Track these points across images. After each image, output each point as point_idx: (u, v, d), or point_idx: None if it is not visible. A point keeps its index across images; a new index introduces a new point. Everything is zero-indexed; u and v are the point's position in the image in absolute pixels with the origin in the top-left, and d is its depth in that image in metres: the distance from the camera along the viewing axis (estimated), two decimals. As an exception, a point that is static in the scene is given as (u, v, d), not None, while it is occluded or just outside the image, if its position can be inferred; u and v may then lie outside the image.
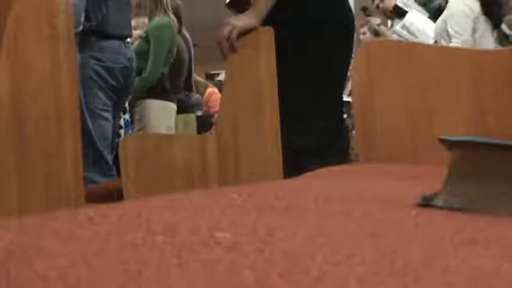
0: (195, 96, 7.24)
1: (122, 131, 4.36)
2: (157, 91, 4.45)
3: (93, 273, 0.41)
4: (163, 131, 4.34)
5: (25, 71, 1.72)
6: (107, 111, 3.65)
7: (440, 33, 4.20)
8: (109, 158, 3.62)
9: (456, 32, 4.06)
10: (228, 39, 2.17)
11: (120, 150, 2.31)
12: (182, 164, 2.22)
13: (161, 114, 4.45)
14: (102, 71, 3.62)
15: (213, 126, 2.26)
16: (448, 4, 4.23)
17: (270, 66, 2.12)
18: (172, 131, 4.47)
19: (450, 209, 0.85)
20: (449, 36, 4.09)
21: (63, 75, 1.78)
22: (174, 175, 2.23)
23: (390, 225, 0.71)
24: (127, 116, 4.47)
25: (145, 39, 4.45)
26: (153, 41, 4.41)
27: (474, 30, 4.07)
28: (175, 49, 4.57)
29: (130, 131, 4.46)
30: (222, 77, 9.13)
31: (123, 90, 3.81)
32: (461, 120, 2.04)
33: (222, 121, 2.21)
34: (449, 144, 0.91)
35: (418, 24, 4.82)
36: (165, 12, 4.52)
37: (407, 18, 4.82)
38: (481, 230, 0.72)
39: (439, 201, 0.87)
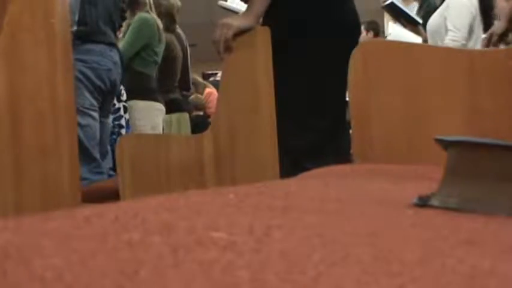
0: (196, 96, 7.25)
1: (123, 131, 4.38)
2: (141, 92, 4.45)
3: (89, 273, 0.41)
4: (149, 131, 4.36)
5: (22, 71, 1.72)
6: (93, 110, 3.70)
7: (436, 30, 4.12)
8: (98, 156, 3.65)
9: (455, 27, 3.98)
10: (224, 39, 2.17)
11: (117, 150, 2.31)
12: (178, 164, 2.22)
13: (145, 115, 4.47)
14: (88, 72, 3.66)
15: (210, 126, 2.26)
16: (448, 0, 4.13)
17: (266, 66, 2.12)
18: (157, 131, 4.49)
19: (447, 209, 0.85)
20: (446, 32, 4.01)
21: (60, 75, 1.78)
22: (170, 175, 2.23)
23: (387, 225, 0.71)
24: (128, 116, 4.48)
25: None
26: (132, 27, 4.42)
27: (471, 29, 3.99)
28: (158, 50, 4.56)
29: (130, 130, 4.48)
30: (219, 76, 9.14)
31: (109, 92, 3.84)
32: (458, 121, 2.04)
33: (218, 121, 2.21)
34: (446, 144, 0.91)
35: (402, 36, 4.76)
36: (147, 12, 4.55)
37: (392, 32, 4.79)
38: (478, 230, 0.72)
39: (435, 201, 0.87)
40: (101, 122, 3.78)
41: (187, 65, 5.43)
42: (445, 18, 4.05)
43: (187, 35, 5.49)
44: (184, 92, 5.42)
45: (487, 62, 2.06)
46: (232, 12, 3.69)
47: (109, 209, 0.67)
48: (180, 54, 5.09)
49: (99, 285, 0.39)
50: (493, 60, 2.07)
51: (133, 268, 0.43)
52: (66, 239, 0.52)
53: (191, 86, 6.79)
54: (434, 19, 4.18)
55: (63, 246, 0.49)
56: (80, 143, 3.46)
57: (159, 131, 4.55)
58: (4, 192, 1.68)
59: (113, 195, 2.30)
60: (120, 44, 4.27)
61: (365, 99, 2.10)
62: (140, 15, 4.47)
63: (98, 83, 3.70)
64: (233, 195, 0.86)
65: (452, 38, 3.92)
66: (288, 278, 0.43)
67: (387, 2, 4.86)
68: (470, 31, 3.98)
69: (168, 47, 4.78)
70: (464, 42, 3.91)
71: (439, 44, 3.98)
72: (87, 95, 3.65)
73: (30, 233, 0.53)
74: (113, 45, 3.85)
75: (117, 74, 3.86)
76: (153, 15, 4.57)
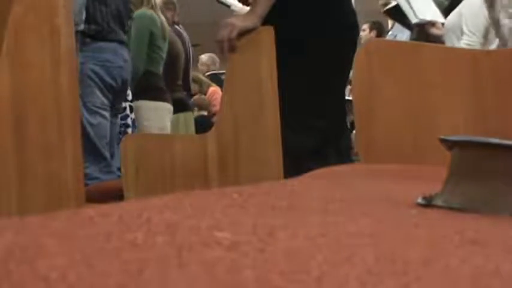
0: (200, 96, 7.23)
1: (129, 130, 4.37)
2: (149, 91, 4.42)
3: (93, 273, 0.41)
4: (156, 132, 4.32)
5: (25, 71, 1.72)
6: (104, 109, 3.69)
7: (452, 29, 4.08)
8: (108, 155, 3.65)
9: (470, 31, 3.93)
10: (228, 39, 2.17)
11: (121, 149, 2.31)
12: (182, 164, 2.22)
13: (153, 115, 4.43)
14: (100, 71, 3.65)
15: (214, 126, 2.26)
16: None
17: (270, 66, 2.12)
18: (166, 131, 4.45)
19: (450, 209, 0.85)
20: (461, 33, 3.96)
21: (63, 75, 1.78)
22: (174, 175, 2.23)
23: (390, 225, 0.71)
24: (134, 115, 4.47)
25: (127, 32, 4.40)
26: (133, 29, 4.36)
27: (488, 31, 3.93)
28: (163, 46, 4.52)
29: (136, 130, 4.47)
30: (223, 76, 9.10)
31: (120, 90, 3.84)
32: (461, 120, 2.04)
33: (222, 121, 2.21)
34: (450, 144, 0.91)
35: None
36: (152, 8, 4.50)
37: None
38: (481, 230, 0.72)
39: (439, 201, 0.87)
40: (110, 122, 3.79)
41: (189, 65, 5.41)
42: (461, 18, 4.00)
43: (190, 35, 5.48)
44: (185, 92, 5.40)
45: (491, 62, 2.06)
46: (226, 6, 3.66)
47: (113, 209, 0.67)
48: (181, 51, 5.05)
49: (103, 285, 0.39)
50: (497, 60, 2.07)
51: (137, 268, 0.43)
52: (70, 238, 0.52)
53: (194, 85, 6.77)
54: (452, 17, 4.12)
55: (67, 246, 0.49)
56: (90, 142, 3.47)
57: (167, 131, 4.51)
58: (8, 192, 1.68)
59: (117, 195, 2.30)
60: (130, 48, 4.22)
61: (369, 99, 2.10)
62: (136, 13, 4.42)
63: (109, 81, 3.70)
64: (237, 195, 0.87)
65: (467, 43, 3.89)
66: (292, 278, 0.43)
67: (390, 6, 4.83)
68: (486, 34, 3.93)
69: (170, 45, 4.75)
70: (478, 46, 3.87)
71: (454, 42, 3.94)
72: (98, 93, 3.65)
73: (34, 233, 0.53)
74: (123, 43, 3.85)
75: (128, 72, 3.87)
76: (153, 12, 4.51)
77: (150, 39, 4.40)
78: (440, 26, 4.19)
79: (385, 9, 4.99)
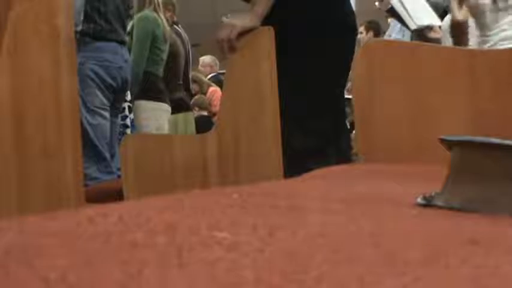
0: (200, 96, 7.24)
1: (128, 130, 4.37)
2: (148, 92, 4.42)
3: (93, 273, 0.41)
4: (154, 132, 4.33)
5: (25, 71, 1.72)
6: (104, 109, 3.69)
7: (448, 30, 4.10)
8: (107, 155, 3.65)
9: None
10: (228, 39, 2.17)
11: (121, 149, 2.31)
12: (182, 164, 2.22)
13: (151, 115, 4.43)
14: (99, 71, 3.65)
15: (214, 126, 2.26)
16: None
17: (270, 66, 2.12)
18: (162, 131, 4.45)
19: (450, 209, 0.85)
20: None
21: (63, 75, 1.78)
22: (174, 175, 2.23)
23: (390, 225, 0.71)
24: (132, 116, 4.47)
25: (130, 34, 4.38)
26: (136, 31, 4.35)
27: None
28: (164, 48, 4.51)
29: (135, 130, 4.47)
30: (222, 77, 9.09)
31: (120, 90, 3.84)
32: (461, 120, 2.04)
33: (222, 121, 2.21)
34: (450, 144, 0.91)
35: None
36: (155, 9, 4.48)
37: None
38: (481, 230, 0.72)
39: (439, 201, 0.87)
40: (110, 122, 3.78)
41: (189, 65, 5.41)
42: None
43: (190, 35, 5.48)
44: (185, 92, 5.40)
45: (490, 62, 2.06)
46: None
47: (113, 209, 0.67)
48: (182, 51, 5.05)
49: (103, 285, 0.39)
50: (496, 60, 2.07)
51: (137, 268, 0.43)
52: (69, 239, 0.52)
53: (194, 85, 6.76)
54: (449, 18, 4.15)
55: (66, 247, 0.49)
56: (90, 143, 3.47)
57: (164, 131, 4.52)
58: (8, 193, 1.68)
59: (116, 195, 2.29)
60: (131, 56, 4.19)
61: (369, 99, 2.10)
62: (139, 14, 4.41)
63: (110, 81, 3.70)
64: (237, 195, 0.87)
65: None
66: (292, 278, 0.43)
67: (388, 7, 4.83)
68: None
69: (169, 45, 4.74)
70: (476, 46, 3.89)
71: (451, 42, 3.96)
72: (98, 93, 3.65)
73: (33, 233, 0.53)
74: (123, 43, 3.85)
75: (128, 72, 3.86)
76: (155, 14, 4.50)
77: (152, 41, 4.40)
78: (438, 29, 4.22)
79: (386, 9, 4.99)
